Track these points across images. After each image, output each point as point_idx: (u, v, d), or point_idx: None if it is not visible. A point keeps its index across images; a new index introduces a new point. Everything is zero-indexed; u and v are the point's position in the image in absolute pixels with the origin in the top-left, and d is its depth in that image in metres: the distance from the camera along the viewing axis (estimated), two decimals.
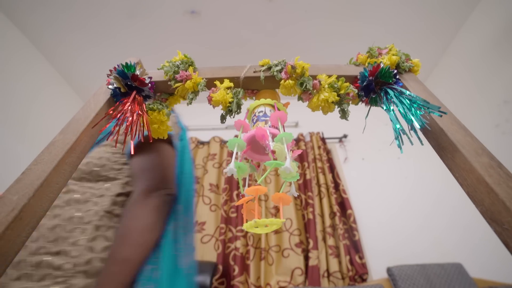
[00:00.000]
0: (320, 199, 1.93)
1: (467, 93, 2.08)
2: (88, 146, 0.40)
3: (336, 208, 1.86)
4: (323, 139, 2.30)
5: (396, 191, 2.06)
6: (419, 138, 0.35)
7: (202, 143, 2.35)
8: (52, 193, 0.33)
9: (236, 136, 0.42)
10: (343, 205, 1.91)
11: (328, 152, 2.24)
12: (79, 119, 0.41)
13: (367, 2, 1.93)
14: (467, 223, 1.85)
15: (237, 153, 0.39)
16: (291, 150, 0.40)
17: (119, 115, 0.39)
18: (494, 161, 0.31)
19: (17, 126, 1.99)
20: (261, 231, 0.33)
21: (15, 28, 2.13)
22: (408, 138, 0.36)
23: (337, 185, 2.02)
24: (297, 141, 2.32)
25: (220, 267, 1.61)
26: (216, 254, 1.68)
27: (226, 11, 2.01)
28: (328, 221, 1.80)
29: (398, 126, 0.36)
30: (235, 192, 1.95)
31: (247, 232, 1.76)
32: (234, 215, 1.84)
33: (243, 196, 0.35)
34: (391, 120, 0.39)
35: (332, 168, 2.12)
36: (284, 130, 0.40)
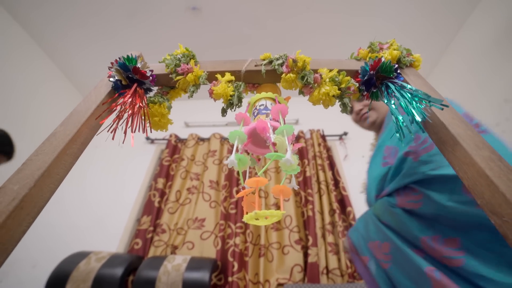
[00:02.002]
0: (320, 196, 1.93)
1: (468, 92, 2.07)
2: (89, 137, 0.40)
3: (335, 205, 1.86)
4: (323, 137, 2.30)
5: None
6: (422, 128, 0.35)
7: (202, 139, 2.35)
8: (53, 183, 0.33)
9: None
10: (343, 202, 1.92)
11: (328, 149, 2.24)
12: (80, 111, 0.41)
13: (369, 0, 1.92)
14: None
15: (237, 146, 0.39)
16: (291, 143, 0.40)
17: (119, 107, 0.39)
18: (494, 155, 0.31)
19: (17, 121, 1.99)
20: (262, 223, 0.33)
21: (16, 23, 2.12)
22: (409, 130, 0.36)
23: (337, 183, 2.03)
24: (297, 138, 2.32)
25: (219, 263, 1.61)
26: (216, 251, 1.68)
27: (227, 7, 2.00)
28: (327, 218, 1.80)
29: (400, 118, 0.36)
30: (234, 189, 1.95)
31: (246, 229, 1.77)
32: (233, 211, 1.84)
33: (243, 188, 0.35)
34: (391, 114, 0.39)
35: (332, 166, 2.12)
36: (285, 123, 0.40)
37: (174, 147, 2.29)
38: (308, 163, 2.11)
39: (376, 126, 0.86)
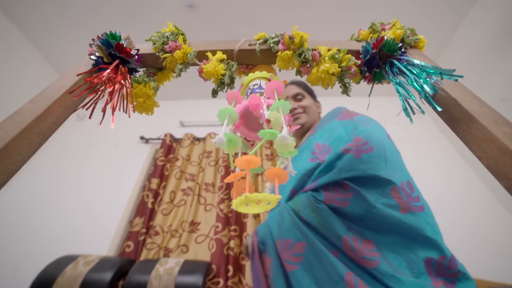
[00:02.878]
0: None
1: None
2: (62, 117, 0.36)
3: None
4: None
5: None
6: (433, 104, 0.32)
7: (198, 139, 2.30)
8: (12, 164, 0.29)
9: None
10: None
11: None
12: (53, 88, 0.37)
13: None
14: (466, 223, 1.82)
15: (228, 126, 0.35)
16: (288, 125, 0.36)
17: (97, 81, 0.35)
18: None
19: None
20: (253, 210, 0.29)
21: (13, 25, 2.08)
22: (418, 106, 0.32)
23: None
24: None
25: (214, 267, 1.56)
26: (210, 254, 1.63)
27: (224, 5, 1.98)
28: None
29: (407, 92, 0.32)
30: (232, 190, 1.91)
31: (242, 232, 1.71)
32: (229, 214, 1.79)
33: (233, 171, 0.31)
34: (397, 91, 0.35)
35: None
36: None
37: (169, 146, 2.24)
38: None
39: (302, 130, 0.88)
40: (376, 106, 2.47)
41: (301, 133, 0.90)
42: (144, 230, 1.75)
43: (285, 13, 2.01)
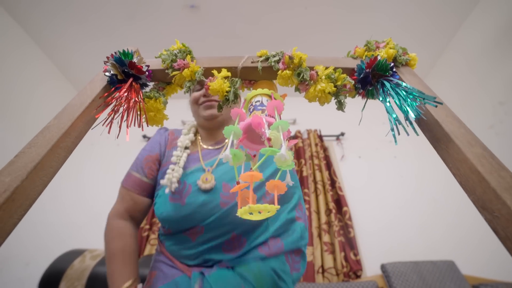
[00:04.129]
0: (316, 196, 1.94)
1: (463, 94, 2.09)
2: (83, 131, 0.40)
3: (332, 205, 1.87)
4: (320, 137, 2.31)
5: (392, 190, 2.08)
6: (414, 129, 0.36)
7: None
8: (46, 176, 0.33)
9: None
10: (339, 202, 1.93)
11: (325, 149, 2.24)
12: (74, 105, 0.41)
13: None
14: (459, 222, 1.87)
15: (233, 141, 0.39)
16: (287, 139, 0.40)
17: (115, 101, 0.39)
18: (486, 152, 0.31)
19: (15, 121, 1.97)
20: (255, 217, 0.33)
21: (14, 22, 2.10)
22: (404, 128, 0.36)
23: (333, 183, 2.03)
24: (295, 137, 2.32)
25: None
26: None
27: (226, 6, 2.00)
28: (323, 218, 1.81)
29: (394, 116, 0.36)
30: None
31: None
32: None
33: (238, 183, 0.36)
34: (387, 112, 0.39)
35: (328, 166, 2.13)
36: (280, 119, 0.40)
37: None
38: (305, 162, 2.11)
39: (215, 123, 0.82)
40: (375, 107, 2.49)
41: (213, 125, 0.82)
42: (147, 226, 1.81)
43: (287, 13, 2.03)
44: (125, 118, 0.41)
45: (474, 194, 0.29)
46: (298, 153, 2.20)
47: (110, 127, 0.39)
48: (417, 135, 0.36)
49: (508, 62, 1.77)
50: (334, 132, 2.39)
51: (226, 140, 0.77)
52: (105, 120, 0.40)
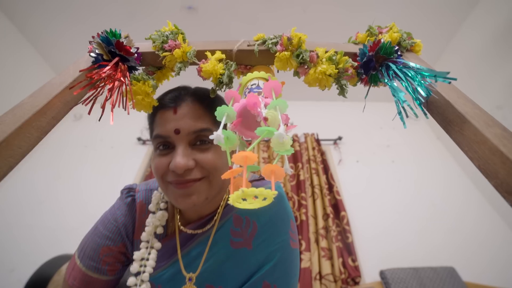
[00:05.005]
0: (314, 201, 1.90)
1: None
2: (62, 112, 0.36)
3: (329, 209, 1.83)
4: (317, 141, 2.28)
5: (390, 194, 2.05)
6: (423, 110, 0.33)
7: None
8: (12, 157, 0.29)
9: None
10: (337, 207, 1.89)
11: (322, 153, 2.22)
12: (54, 83, 0.37)
13: None
14: (460, 227, 1.84)
15: (225, 124, 0.35)
16: (285, 124, 0.36)
17: (97, 78, 0.35)
18: (506, 132, 0.28)
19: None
20: (250, 205, 0.29)
21: (11, 24, 2.08)
22: (412, 110, 0.33)
23: (331, 187, 2.00)
24: (292, 142, 2.30)
25: None
26: None
27: (223, 7, 1.99)
28: (321, 223, 1.77)
29: (402, 95, 0.33)
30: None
31: None
32: None
33: (230, 168, 0.32)
34: (393, 94, 0.36)
35: (326, 170, 2.09)
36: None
37: None
38: (302, 166, 2.08)
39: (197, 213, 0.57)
40: (373, 112, 2.50)
41: (198, 218, 0.57)
42: None
43: (284, 16, 2.02)
44: (108, 98, 0.37)
45: (496, 178, 0.26)
46: (295, 157, 2.17)
47: (92, 107, 0.36)
48: (427, 118, 0.33)
49: (506, 66, 1.77)
50: (331, 136, 2.36)
51: (215, 217, 0.55)
52: (86, 99, 0.36)
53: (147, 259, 0.53)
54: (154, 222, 0.55)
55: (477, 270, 1.60)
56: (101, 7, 2.02)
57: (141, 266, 0.53)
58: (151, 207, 0.57)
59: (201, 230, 0.55)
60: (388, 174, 2.19)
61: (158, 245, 0.55)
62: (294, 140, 2.29)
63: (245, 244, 0.52)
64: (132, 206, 0.60)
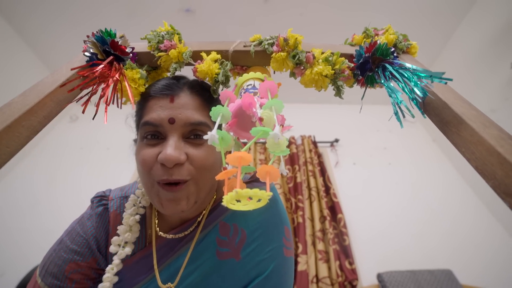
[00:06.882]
0: (311, 203, 1.89)
1: None
2: (54, 111, 0.36)
3: (326, 212, 1.82)
4: (314, 143, 2.28)
5: (387, 197, 2.05)
6: (420, 110, 0.32)
7: None
8: (0, 157, 0.28)
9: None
10: (334, 209, 1.88)
11: (319, 155, 2.21)
12: (46, 82, 0.37)
13: None
14: (457, 230, 1.84)
15: (220, 125, 0.35)
16: (281, 124, 0.36)
17: (90, 76, 0.35)
18: (503, 133, 0.28)
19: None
20: (244, 206, 0.28)
21: (10, 28, 2.06)
22: (408, 110, 0.33)
23: (327, 189, 1.99)
24: (288, 144, 2.29)
25: None
26: None
27: (221, 11, 2.00)
28: (318, 225, 1.76)
29: (399, 94, 0.33)
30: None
31: None
32: None
33: (225, 168, 0.31)
34: (389, 95, 0.36)
35: (323, 172, 2.09)
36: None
37: None
38: (299, 169, 2.08)
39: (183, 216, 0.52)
40: (370, 114, 2.51)
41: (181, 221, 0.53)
42: None
43: (281, 18, 2.03)
44: (103, 98, 0.37)
45: (494, 179, 0.26)
46: (292, 159, 2.17)
47: (86, 105, 0.35)
48: (424, 117, 0.33)
49: (500, 70, 1.79)
50: (328, 138, 2.36)
51: (199, 219, 0.52)
52: (80, 98, 0.35)
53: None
54: (126, 229, 0.50)
55: (475, 272, 1.60)
56: (99, 9, 2.01)
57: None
58: (126, 215, 0.51)
59: (183, 233, 0.50)
60: (385, 176, 2.19)
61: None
62: (291, 142, 2.28)
63: (232, 255, 0.48)
64: (105, 216, 0.54)
